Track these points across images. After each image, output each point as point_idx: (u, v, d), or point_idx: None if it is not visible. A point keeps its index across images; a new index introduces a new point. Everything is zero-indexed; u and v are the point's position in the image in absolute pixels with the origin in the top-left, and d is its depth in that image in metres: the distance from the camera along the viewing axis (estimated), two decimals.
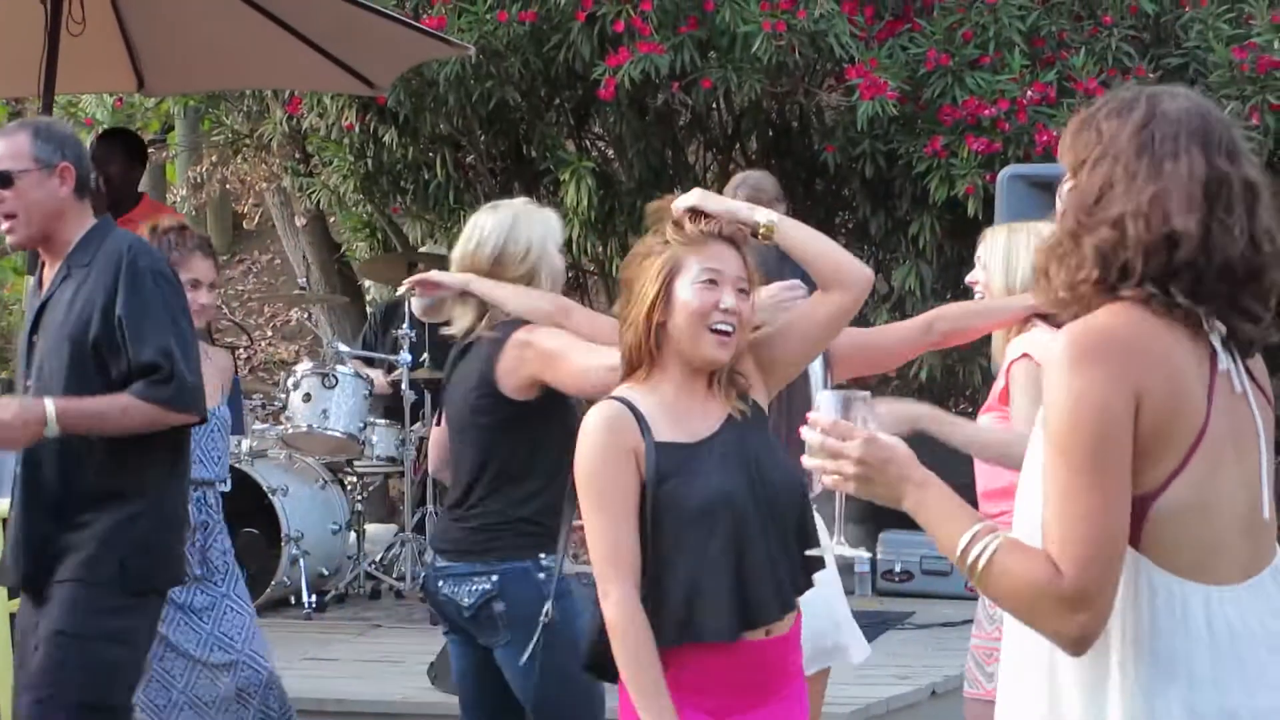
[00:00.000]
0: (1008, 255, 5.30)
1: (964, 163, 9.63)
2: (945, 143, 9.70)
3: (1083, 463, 2.83)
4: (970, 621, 5.52)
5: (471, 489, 5.01)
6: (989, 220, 8.17)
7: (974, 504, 2.97)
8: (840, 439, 3.03)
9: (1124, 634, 2.93)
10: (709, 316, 4.01)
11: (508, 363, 4.89)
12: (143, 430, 5.13)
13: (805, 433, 3.07)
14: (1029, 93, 9.51)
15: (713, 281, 4.03)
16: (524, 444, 4.94)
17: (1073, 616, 2.83)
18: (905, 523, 3.17)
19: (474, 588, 4.94)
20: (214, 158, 13.53)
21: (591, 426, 4.02)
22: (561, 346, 4.80)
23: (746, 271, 4.10)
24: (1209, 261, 2.89)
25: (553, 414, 4.90)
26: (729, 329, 4.03)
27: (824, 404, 3.08)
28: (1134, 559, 2.91)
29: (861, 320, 9.89)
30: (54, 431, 5.02)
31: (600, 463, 3.99)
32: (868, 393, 3.14)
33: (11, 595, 5.64)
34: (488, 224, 5.08)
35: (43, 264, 5.37)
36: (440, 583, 5.02)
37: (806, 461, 3.08)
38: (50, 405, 5.03)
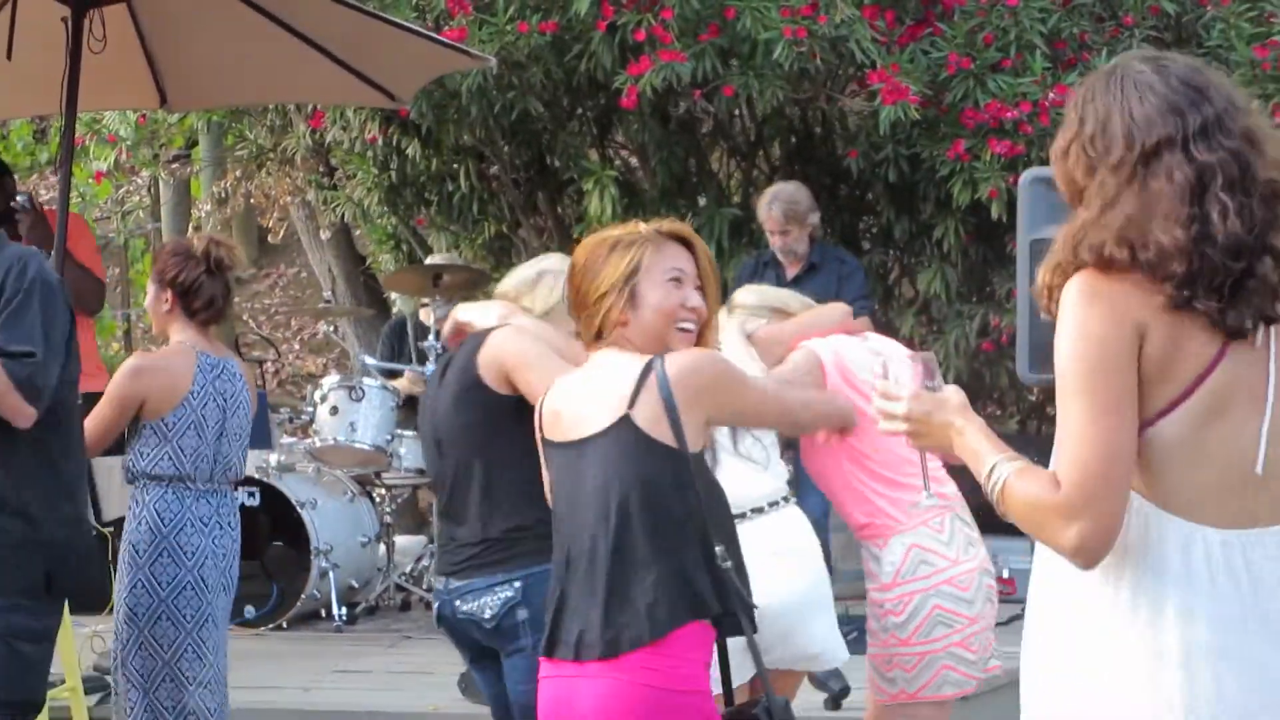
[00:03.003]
0: None
1: (987, 166, 9.61)
2: (968, 146, 9.69)
3: (1082, 387, 3.03)
4: (1015, 619, 5.53)
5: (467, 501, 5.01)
6: (1012, 223, 8.13)
7: None
8: (890, 400, 3.32)
9: (1136, 574, 3.07)
10: (676, 315, 4.20)
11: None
12: None
13: (874, 398, 3.37)
14: (1051, 95, 9.48)
15: (678, 280, 4.21)
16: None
17: (1068, 526, 3.01)
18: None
19: (495, 599, 4.92)
20: (238, 172, 13.53)
21: None
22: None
23: (698, 271, 4.28)
24: (1215, 247, 3.03)
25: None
26: (692, 327, 4.23)
27: (890, 372, 3.37)
28: (1139, 503, 3.06)
29: (888, 326, 9.97)
30: None
31: None
32: (931, 353, 3.41)
33: None
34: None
35: None
36: (458, 603, 4.99)
37: (881, 425, 3.36)
38: None
